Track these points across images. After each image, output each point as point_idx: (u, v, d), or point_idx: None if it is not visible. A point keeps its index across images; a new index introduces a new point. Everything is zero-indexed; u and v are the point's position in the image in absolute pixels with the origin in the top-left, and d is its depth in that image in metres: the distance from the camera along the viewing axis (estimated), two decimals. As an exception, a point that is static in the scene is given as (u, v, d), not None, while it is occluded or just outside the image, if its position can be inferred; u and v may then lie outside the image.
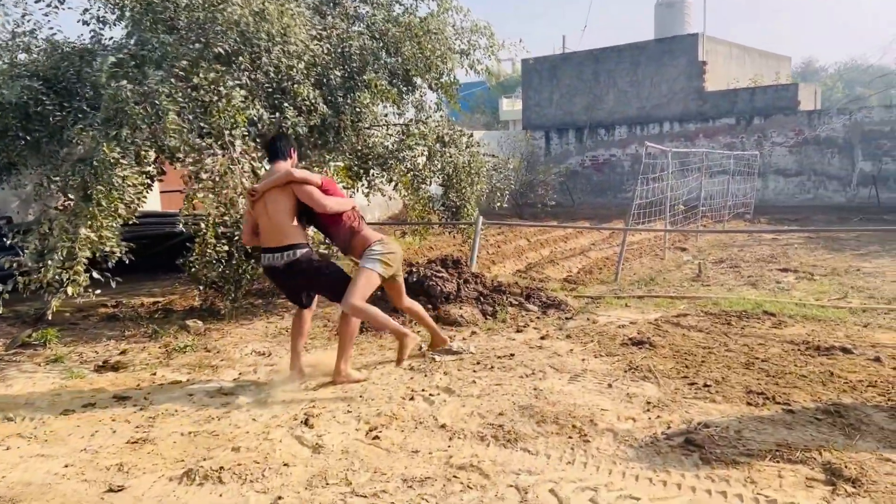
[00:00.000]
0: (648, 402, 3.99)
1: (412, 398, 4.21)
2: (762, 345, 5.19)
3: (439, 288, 6.49)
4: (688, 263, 9.61)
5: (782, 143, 17.80)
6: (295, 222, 4.43)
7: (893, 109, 16.97)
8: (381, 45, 7.11)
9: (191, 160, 5.76)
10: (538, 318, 6.26)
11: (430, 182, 7.42)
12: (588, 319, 6.18)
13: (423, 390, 4.34)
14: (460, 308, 6.28)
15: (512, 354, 5.09)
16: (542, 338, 5.58)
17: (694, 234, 11.71)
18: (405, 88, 7.74)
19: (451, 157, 7.56)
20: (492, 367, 4.79)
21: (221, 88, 5.67)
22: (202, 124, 5.86)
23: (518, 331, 5.85)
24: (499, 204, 8.03)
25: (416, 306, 5.05)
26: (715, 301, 6.77)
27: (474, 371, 4.75)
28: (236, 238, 5.79)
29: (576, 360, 4.95)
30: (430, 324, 5.09)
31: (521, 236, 13.20)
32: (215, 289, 6.55)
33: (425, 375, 4.69)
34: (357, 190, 7.51)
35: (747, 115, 18.30)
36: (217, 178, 5.65)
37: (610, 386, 4.32)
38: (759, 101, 18.19)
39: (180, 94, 5.49)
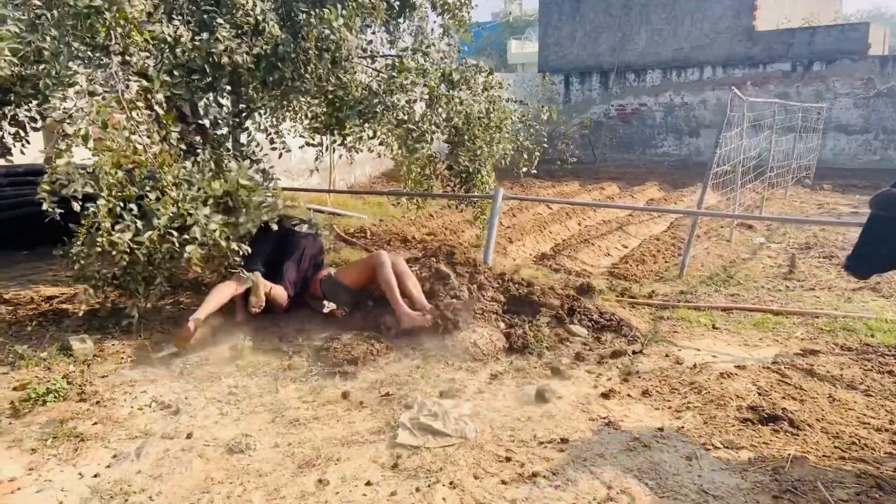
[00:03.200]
0: None
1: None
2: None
3: (443, 299, 4.39)
4: (763, 249, 7.46)
5: (847, 94, 15.28)
6: None
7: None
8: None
9: (57, 100, 3.58)
10: (589, 349, 4.17)
11: (432, 138, 5.22)
12: (667, 357, 4.08)
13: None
14: (473, 331, 4.19)
15: (563, 440, 3.03)
16: (605, 395, 3.51)
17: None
18: (398, 6, 5.49)
19: (461, 103, 5.34)
20: (534, 478, 2.73)
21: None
22: (76, 45, 3.67)
23: (562, 374, 3.78)
24: (525, 169, 5.89)
25: None
26: (845, 324, 4.65)
27: (501, 483, 2.70)
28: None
29: (676, 457, 2.89)
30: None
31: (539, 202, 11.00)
32: (116, 287, 4.46)
33: (418, 490, 2.65)
34: (325, 149, 5.32)
35: (805, 59, 15.75)
36: (112, 131, 3.48)
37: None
38: (821, 43, 15.60)
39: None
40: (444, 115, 5.32)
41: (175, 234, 3.30)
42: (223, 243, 3.31)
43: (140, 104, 3.49)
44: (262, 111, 4.70)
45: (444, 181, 6.61)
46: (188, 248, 3.21)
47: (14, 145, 4.33)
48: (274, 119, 5.24)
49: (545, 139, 5.90)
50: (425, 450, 2.94)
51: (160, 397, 3.58)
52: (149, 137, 3.39)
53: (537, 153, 5.86)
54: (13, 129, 4.36)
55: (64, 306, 5.05)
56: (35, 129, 4.73)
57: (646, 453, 2.91)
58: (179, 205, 3.22)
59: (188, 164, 3.67)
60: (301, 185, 10.78)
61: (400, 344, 4.18)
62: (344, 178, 12.66)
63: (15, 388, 3.62)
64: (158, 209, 3.16)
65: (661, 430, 3.13)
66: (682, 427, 3.16)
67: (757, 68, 16.39)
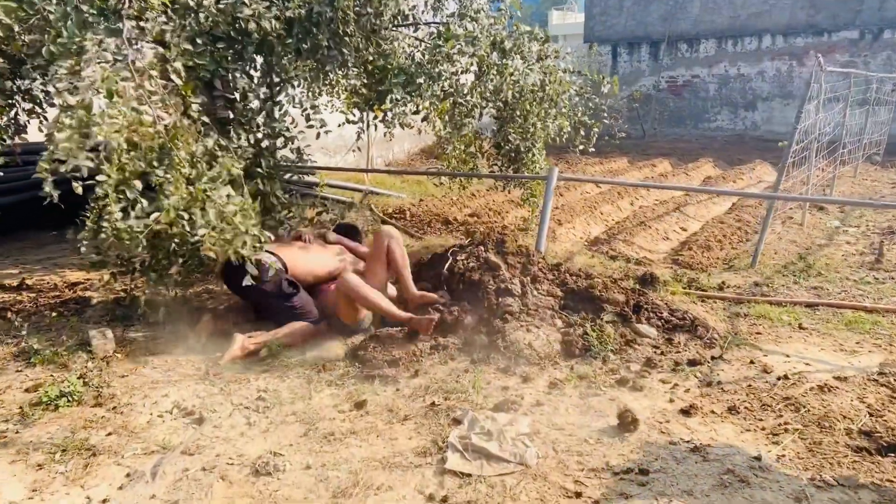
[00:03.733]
0: None
1: None
2: None
3: (492, 291, 3.94)
4: (840, 233, 6.80)
5: (921, 63, 14.18)
6: None
7: None
8: None
9: (64, 70, 3.20)
10: (661, 353, 3.68)
11: (480, 113, 4.72)
12: (752, 364, 3.56)
13: None
14: (528, 330, 3.73)
15: (643, 470, 2.57)
16: (685, 412, 3.03)
17: None
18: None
19: (513, 73, 4.81)
20: (611, 523, 2.28)
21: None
22: (86, 7, 3.27)
23: (631, 384, 3.30)
24: (581, 147, 5.35)
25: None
26: (958, 327, 4.06)
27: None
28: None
29: (782, 497, 2.40)
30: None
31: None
32: (130, 272, 4.11)
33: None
34: (367, 125, 4.88)
35: (874, 27, 14.63)
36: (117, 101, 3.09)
37: None
38: (892, 8, 14.45)
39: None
40: (492, 86, 4.81)
41: (186, 216, 2.90)
42: (241, 225, 2.90)
43: (154, 73, 3.09)
44: (295, 83, 4.26)
45: (490, 159, 6.11)
46: (200, 230, 2.81)
47: (28, 122, 3.99)
48: (310, 93, 4.81)
49: (605, 114, 5.34)
50: (479, 480, 2.52)
51: (183, 402, 3.23)
52: (163, 109, 2.99)
53: (596, 130, 5.31)
54: (28, 105, 4.02)
55: (88, 294, 4.77)
56: (52, 105, 4.39)
57: (744, 491, 2.43)
58: (195, 185, 2.82)
59: (209, 140, 3.26)
60: (338, 162, 10.41)
61: (445, 343, 3.75)
62: (382, 154, 12.24)
63: (27, 390, 3.32)
64: (168, 190, 2.77)
65: (757, 459, 2.64)
66: (783, 456, 2.67)
67: (821, 36, 15.31)
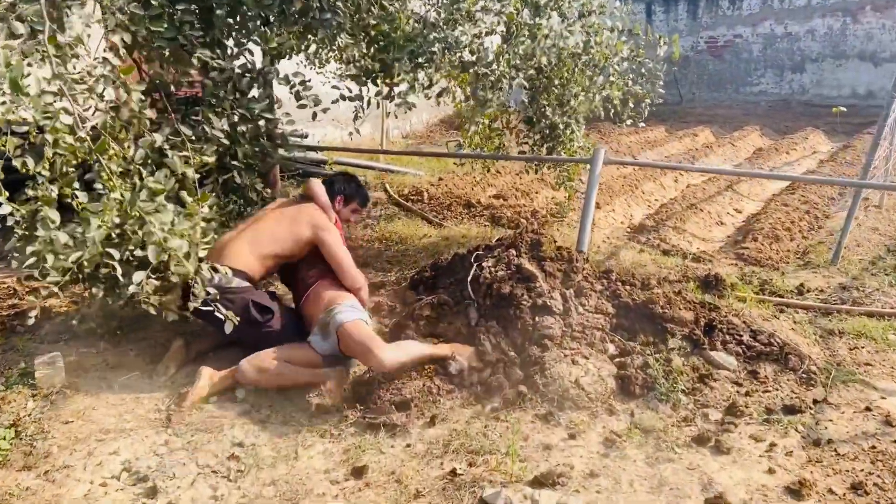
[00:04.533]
0: None
1: None
2: None
3: (527, 308, 3.15)
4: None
5: None
6: None
7: None
8: None
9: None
10: (745, 393, 2.87)
11: (510, 84, 3.86)
12: (869, 412, 2.74)
13: None
14: (573, 361, 2.95)
15: None
16: (793, 491, 2.24)
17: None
18: None
19: (548, 35, 3.94)
20: None
21: None
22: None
23: (714, 443, 2.52)
24: (629, 121, 4.47)
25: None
26: None
27: None
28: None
29: None
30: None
31: (623, 152, 9.49)
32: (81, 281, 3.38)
33: None
34: (367, 104, 4.05)
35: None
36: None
37: None
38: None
39: None
40: (521, 51, 3.91)
41: (115, 253, 2.14)
42: (189, 265, 2.14)
43: (82, 50, 2.30)
44: (280, 55, 3.44)
45: (519, 136, 5.26)
46: (136, 275, 2.06)
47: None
48: (307, 65, 3.98)
49: (661, 81, 4.45)
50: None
51: (135, 463, 2.53)
52: (93, 101, 2.21)
53: (649, 100, 4.43)
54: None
55: (50, 302, 4.08)
56: None
57: None
58: (127, 206, 2.05)
59: (158, 137, 2.48)
60: (345, 136, 9.58)
61: (469, 379, 2.99)
62: (398, 126, 11.39)
63: (-56, 443, 2.63)
64: (93, 217, 2.00)
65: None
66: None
67: (880, -11, 13.96)
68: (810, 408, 2.74)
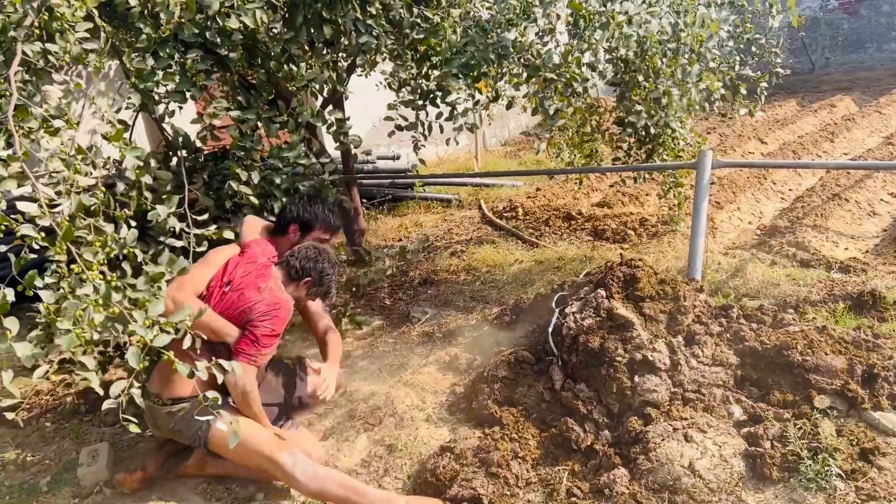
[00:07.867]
0: None
1: None
2: None
3: (623, 365, 2.53)
4: None
5: None
6: None
7: None
8: None
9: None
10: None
11: (585, 87, 3.23)
12: None
13: None
14: (686, 438, 2.29)
15: None
16: None
17: None
18: None
19: (621, 24, 3.26)
20: None
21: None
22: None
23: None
24: (744, 112, 3.67)
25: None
26: None
27: None
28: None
29: None
30: None
31: (748, 135, 8.37)
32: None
33: None
34: (430, 127, 3.58)
35: None
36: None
37: None
38: None
39: None
40: (601, 38, 3.24)
41: (89, 362, 1.81)
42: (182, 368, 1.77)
43: (60, 122, 2.00)
44: (316, 88, 3.06)
45: (614, 139, 4.58)
46: (113, 386, 1.72)
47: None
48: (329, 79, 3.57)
49: (779, 55, 3.63)
50: None
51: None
52: (70, 179, 1.90)
53: (764, 84, 3.62)
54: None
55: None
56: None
57: None
58: (101, 301, 1.71)
59: (162, 209, 2.15)
60: (440, 150, 9.20)
61: (548, 451, 2.43)
62: (496, 134, 10.87)
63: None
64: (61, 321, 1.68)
65: None
66: None
67: None
68: None
